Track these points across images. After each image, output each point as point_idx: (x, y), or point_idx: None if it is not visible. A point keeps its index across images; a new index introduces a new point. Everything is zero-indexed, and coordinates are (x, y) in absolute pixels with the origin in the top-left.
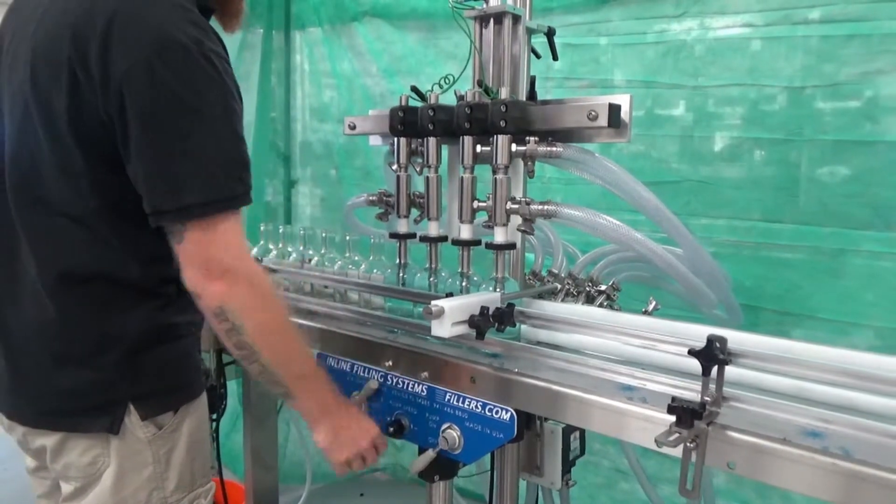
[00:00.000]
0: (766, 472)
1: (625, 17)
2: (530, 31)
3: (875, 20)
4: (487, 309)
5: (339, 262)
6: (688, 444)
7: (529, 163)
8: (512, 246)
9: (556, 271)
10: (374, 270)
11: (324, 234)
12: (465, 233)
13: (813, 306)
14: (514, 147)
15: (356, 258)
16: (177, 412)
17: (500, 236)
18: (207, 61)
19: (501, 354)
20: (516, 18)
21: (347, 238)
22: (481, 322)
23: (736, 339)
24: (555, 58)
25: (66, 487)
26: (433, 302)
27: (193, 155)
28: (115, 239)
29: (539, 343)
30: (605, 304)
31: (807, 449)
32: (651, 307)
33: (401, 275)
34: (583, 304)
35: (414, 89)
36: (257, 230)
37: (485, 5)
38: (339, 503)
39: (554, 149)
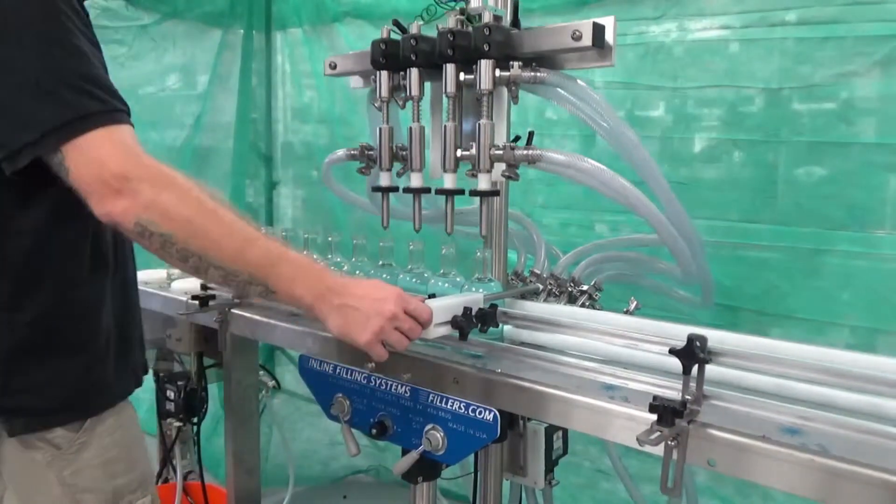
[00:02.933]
0: (745, 469)
1: None
2: None
3: (849, 23)
4: (470, 310)
5: (322, 264)
6: (669, 443)
7: (514, 88)
8: (496, 193)
9: (538, 271)
10: (357, 272)
11: (306, 236)
12: (449, 182)
13: (790, 306)
14: (497, 73)
15: (338, 259)
16: (79, 431)
17: (483, 183)
18: None
19: (484, 355)
20: None
21: (330, 239)
22: (464, 323)
23: (716, 337)
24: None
25: None
26: None
27: (31, 78)
28: None
29: (522, 343)
30: (588, 304)
31: (785, 446)
32: (632, 307)
33: (385, 277)
34: (565, 304)
35: (395, 23)
36: None
37: None
38: None
39: (538, 73)
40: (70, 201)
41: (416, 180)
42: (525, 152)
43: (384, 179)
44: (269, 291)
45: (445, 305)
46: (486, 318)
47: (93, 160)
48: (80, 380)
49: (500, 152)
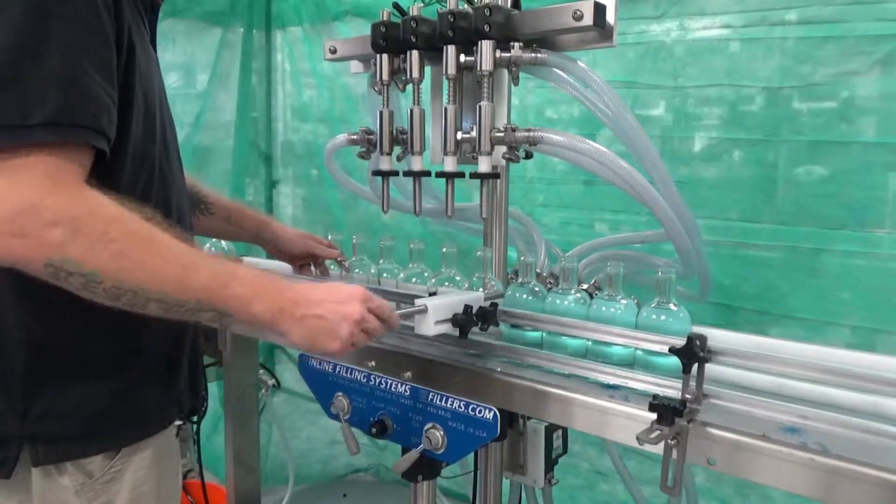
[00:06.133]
0: (745, 468)
1: None
2: None
3: (850, 22)
4: (471, 308)
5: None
6: (669, 441)
7: (514, 69)
8: (496, 175)
9: (539, 270)
10: (357, 270)
11: None
12: (450, 164)
13: (790, 305)
14: (498, 54)
15: (339, 258)
16: (114, 459)
17: (484, 165)
18: None
19: (484, 354)
20: None
21: (329, 237)
22: (465, 321)
23: (716, 336)
24: None
25: None
26: (417, 301)
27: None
28: None
29: (522, 342)
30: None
31: (785, 445)
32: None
33: (384, 276)
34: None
35: (396, 6)
36: None
37: None
38: None
39: (539, 55)
40: None
41: (416, 164)
42: (526, 134)
43: (384, 163)
44: (224, 316)
45: (446, 303)
46: (486, 316)
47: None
48: (112, 406)
49: (501, 134)
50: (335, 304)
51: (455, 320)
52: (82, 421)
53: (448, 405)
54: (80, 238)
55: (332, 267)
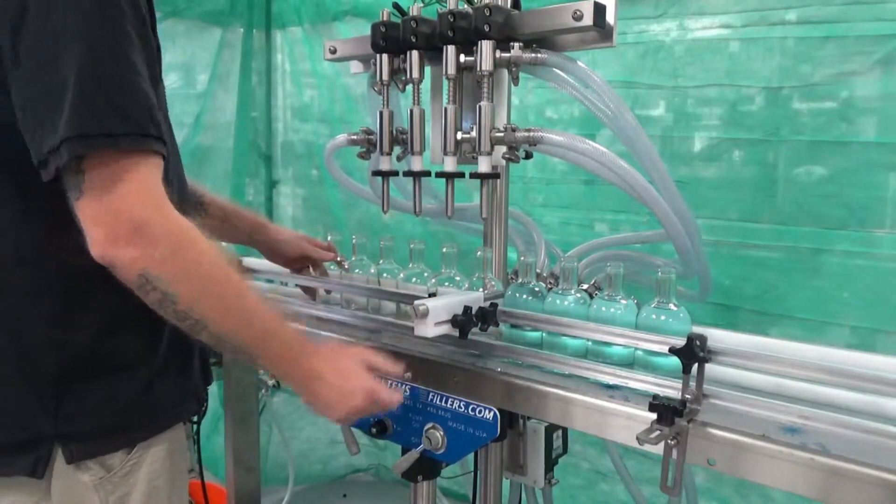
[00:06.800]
0: (745, 468)
1: None
2: None
3: (849, 22)
4: (471, 308)
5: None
6: (669, 442)
7: (514, 69)
8: (496, 175)
9: (539, 271)
10: (356, 270)
11: None
12: (449, 164)
13: (789, 306)
14: (498, 54)
15: (339, 258)
16: (131, 451)
17: (484, 165)
18: None
19: (484, 354)
20: None
21: (329, 238)
22: (465, 322)
23: (716, 336)
24: None
25: None
26: (417, 301)
27: (69, 81)
28: (33, 229)
29: (522, 342)
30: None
31: (785, 445)
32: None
33: (384, 276)
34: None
35: (395, 6)
36: None
37: None
38: None
39: (539, 55)
40: None
41: (416, 164)
42: (526, 134)
43: (384, 163)
44: (254, 362)
45: (446, 304)
46: (486, 316)
47: (113, 192)
48: (136, 401)
49: (501, 134)
50: (341, 394)
51: (455, 321)
52: (110, 416)
53: (448, 405)
54: (177, 261)
55: (331, 268)
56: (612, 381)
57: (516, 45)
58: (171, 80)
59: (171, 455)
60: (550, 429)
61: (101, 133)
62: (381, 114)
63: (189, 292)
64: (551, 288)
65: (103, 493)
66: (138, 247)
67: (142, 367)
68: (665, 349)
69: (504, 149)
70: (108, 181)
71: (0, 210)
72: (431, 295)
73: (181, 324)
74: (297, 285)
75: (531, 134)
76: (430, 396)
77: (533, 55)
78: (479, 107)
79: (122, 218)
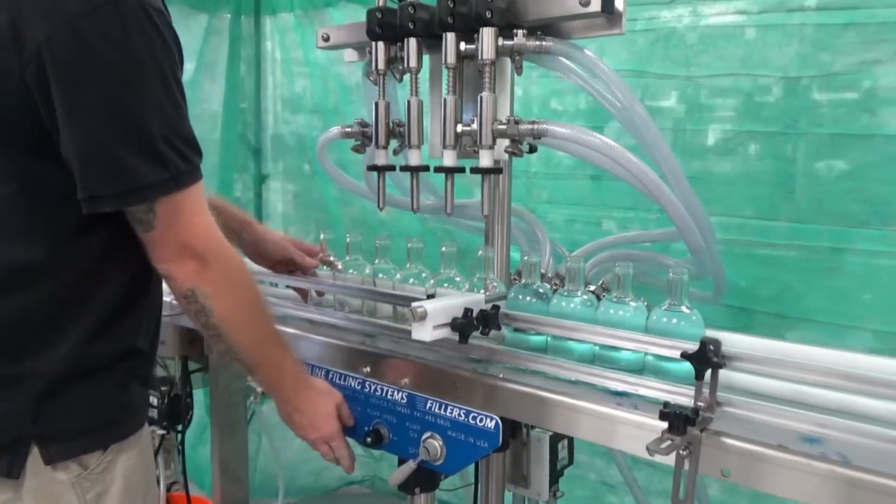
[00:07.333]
0: (761, 479)
1: None
2: None
3: (871, 8)
4: (471, 311)
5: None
6: (680, 452)
7: (517, 58)
8: (498, 170)
9: (543, 271)
10: (350, 271)
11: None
12: (449, 159)
13: (808, 308)
14: (500, 42)
15: (331, 258)
16: (106, 450)
17: (486, 159)
18: (146, 18)
19: (485, 359)
20: None
21: (322, 237)
22: (465, 325)
23: (730, 341)
24: None
25: None
26: (414, 304)
27: (133, 131)
28: (39, 237)
29: (525, 347)
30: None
31: (803, 455)
32: None
33: (380, 277)
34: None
35: None
36: None
37: None
38: None
39: (544, 42)
40: (125, 234)
41: (414, 158)
42: (530, 126)
43: (380, 157)
44: (251, 374)
45: (445, 306)
46: (487, 319)
47: (183, 222)
48: (112, 401)
49: (504, 127)
50: (310, 426)
51: (454, 324)
52: (89, 417)
53: (447, 413)
54: (223, 284)
55: (322, 268)
56: (620, 387)
57: (520, 32)
58: None
59: (142, 453)
60: (555, 438)
61: (169, 178)
62: (376, 105)
63: (223, 310)
64: (556, 289)
65: (80, 491)
66: (196, 267)
67: (118, 370)
68: (677, 354)
69: (506, 142)
70: (173, 214)
71: None
72: (430, 296)
73: (205, 331)
74: (288, 286)
75: (535, 126)
76: (428, 404)
77: (537, 43)
78: (481, 98)
79: (189, 242)
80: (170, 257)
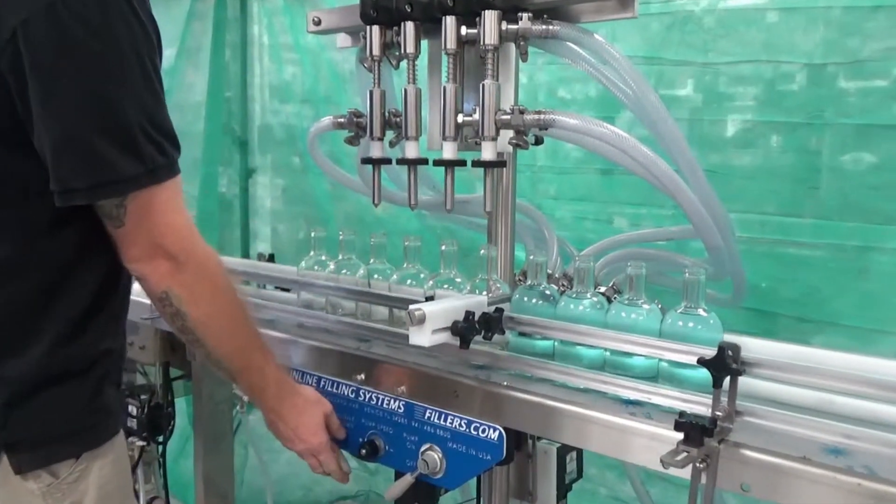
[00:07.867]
0: (783, 494)
1: None
2: None
3: None
4: (473, 314)
5: (304, 262)
6: (697, 465)
7: (522, 43)
8: (502, 163)
9: (550, 271)
10: (344, 271)
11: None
12: (449, 151)
13: (834, 311)
14: (504, 26)
15: (322, 257)
16: (79, 458)
17: (488, 152)
18: (127, 4)
19: (488, 365)
20: None
21: (313, 235)
22: (466, 329)
23: (750, 346)
24: None
25: None
26: (413, 306)
27: (110, 121)
28: (8, 234)
29: (531, 353)
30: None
31: (828, 468)
32: None
33: (375, 278)
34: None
35: None
36: (211, 224)
37: None
38: None
39: (551, 27)
40: (98, 231)
41: (411, 150)
42: (536, 116)
43: (375, 150)
44: (234, 382)
45: (445, 309)
46: (490, 323)
47: (154, 219)
48: (85, 408)
49: (508, 117)
50: (296, 438)
51: (455, 328)
52: (60, 424)
53: (447, 424)
54: (196, 287)
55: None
56: (633, 396)
57: (525, 15)
58: None
59: (117, 461)
60: (563, 450)
61: (144, 172)
62: (371, 94)
63: (199, 315)
64: (564, 291)
65: (52, 501)
66: (168, 269)
67: (90, 374)
68: (693, 360)
69: (511, 133)
70: (145, 210)
71: None
72: (429, 299)
73: (182, 336)
74: (276, 287)
75: (541, 116)
76: (427, 414)
77: (544, 27)
78: (483, 86)
79: (160, 241)
80: (140, 256)
